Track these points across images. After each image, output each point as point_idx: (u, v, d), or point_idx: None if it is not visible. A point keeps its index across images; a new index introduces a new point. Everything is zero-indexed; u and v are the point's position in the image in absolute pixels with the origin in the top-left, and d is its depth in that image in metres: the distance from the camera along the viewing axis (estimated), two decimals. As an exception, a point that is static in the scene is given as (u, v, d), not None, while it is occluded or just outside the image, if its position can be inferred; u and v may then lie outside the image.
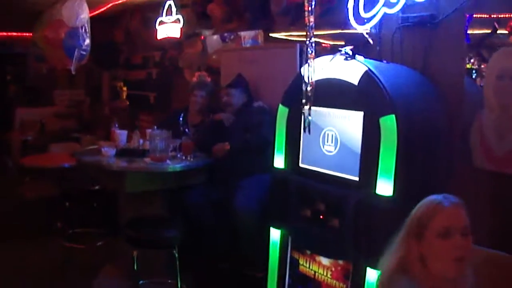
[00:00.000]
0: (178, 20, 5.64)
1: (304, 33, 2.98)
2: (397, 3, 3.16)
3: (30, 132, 8.36)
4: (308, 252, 3.23)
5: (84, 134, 8.11)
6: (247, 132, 4.24)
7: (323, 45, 4.36)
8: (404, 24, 3.38)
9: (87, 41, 5.54)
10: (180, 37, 5.68)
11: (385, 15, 3.22)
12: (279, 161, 3.47)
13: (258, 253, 3.84)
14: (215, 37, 5.82)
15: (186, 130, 4.82)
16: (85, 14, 5.49)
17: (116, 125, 4.70)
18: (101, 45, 8.01)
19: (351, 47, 3.05)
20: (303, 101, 2.97)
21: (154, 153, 3.96)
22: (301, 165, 3.33)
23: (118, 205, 4.45)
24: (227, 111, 4.50)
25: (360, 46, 3.40)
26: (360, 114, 2.91)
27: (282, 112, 3.43)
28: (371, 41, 3.24)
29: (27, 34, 9.82)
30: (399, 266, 2.00)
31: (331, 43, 4.42)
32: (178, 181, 4.13)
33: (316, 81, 3.00)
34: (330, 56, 3.12)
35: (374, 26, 3.34)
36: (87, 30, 5.53)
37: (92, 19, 5.98)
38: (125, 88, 8.49)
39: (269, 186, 3.64)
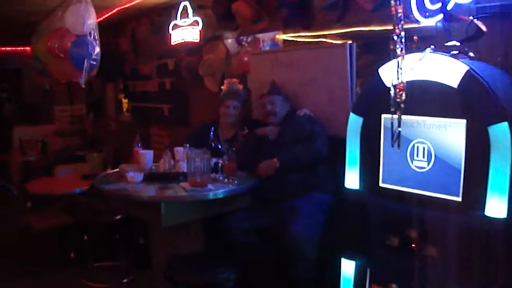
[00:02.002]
0: (196, 23, 5.09)
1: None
2: (472, -9, 2.63)
3: (31, 153, 7.80)
4: (395, 286, 2.76)
5: (89, 152, 7.58)
6: (297, 145, 3.65)
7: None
8: (480, 15, 2.83)
9: (97, 49, 4.94)
10: (199, 41, 5.10)
11: (456, 5, 2.73)
12: (352, 181, 2.92)
13: (316, 285, 3.45)
14: (230, 40, 5.25)
15: (219, 146, 4.23)
16: (92, 20, 4.88)
17: (139, 144, 4.09)
18: (104, 55, 7.46)
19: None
20: (392, 109, 2.39)
21: (194, 176, 3.34)
22: (382, 184, 2.80)
23: (150, 238, 3.84)
24: (271, 122, 3.92)
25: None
26: (462, 122, 2.43)
27: (355, 122, 2.87)
28: (484, 28, 2.63)
29: (22, 48, 9.33)
30: None
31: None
32: (220, 208, 3.52)
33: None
34: (418, 54, 2.56)
35: (443, 19, 2.78)
36: (96, 37, 4.92)
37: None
38: (126, 100, 7.92)
39: (341, 210, 3.10)
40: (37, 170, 6.95)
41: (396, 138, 2.42)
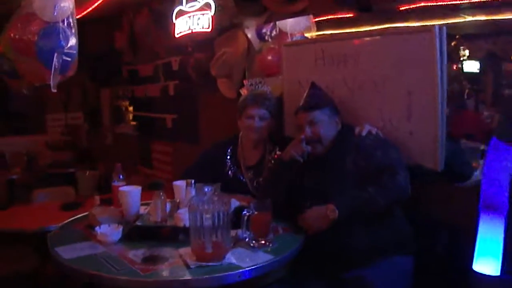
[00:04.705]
0: (207, 7, 3.83)
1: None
2: None
3: (16, 170, 6.64)
4: None
5: (82, 170, 6.42)
6: (366, 182, 2.33)
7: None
8: None
9: (73, 40, 3.62)
10: (211, 31, 3.82)
11: None
12: (486, 261, 1.61)
13: None
14: (250, 33, 4.00)
15: (240, 177, 2.95)
16: (67, 2, 3.59)
17: (121, 176, 2.78)
18: (97, 55, 6.27)
19: None
20: None
21: (202, 241, 1.97)
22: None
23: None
24: (316, 151, 2.60)
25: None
26: None
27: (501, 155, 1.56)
28: None
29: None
30: None
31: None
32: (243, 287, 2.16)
33: None
34: None
35: None
36: (71, 25, 3.62)
37: (83, 21, 4.31)
38: (131, 109, 6.67)
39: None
40: (21, 190, 5.81)
41: None
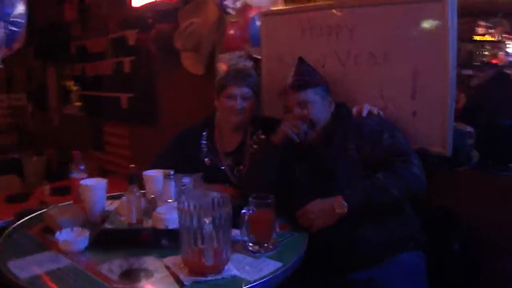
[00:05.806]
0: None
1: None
2: None
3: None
4: None
5: (27, 155, 6.15)
6: (371, 169, 2.04)
7: None
8: None
9: (20, 8, 3.15)
10: (175, -1, 3.46)
11: None
12: None
13: None
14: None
15: (219, 165, 2.59)
16: (14, -37, 3.12)
17: (81, 167, 2.35)
18: (43, 29, 5.72)
19: None
20: None
21: (194, 249, 1.59)
22: None
23: None
24: (307, 137, 2.27)
25: None
26: None
27: None
28: None
29: None
30: None
31: None
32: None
33: None
34: None
35: None
36: (19, -10, 3.15)
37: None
38: (75, 88, 6.19)
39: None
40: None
41: None
